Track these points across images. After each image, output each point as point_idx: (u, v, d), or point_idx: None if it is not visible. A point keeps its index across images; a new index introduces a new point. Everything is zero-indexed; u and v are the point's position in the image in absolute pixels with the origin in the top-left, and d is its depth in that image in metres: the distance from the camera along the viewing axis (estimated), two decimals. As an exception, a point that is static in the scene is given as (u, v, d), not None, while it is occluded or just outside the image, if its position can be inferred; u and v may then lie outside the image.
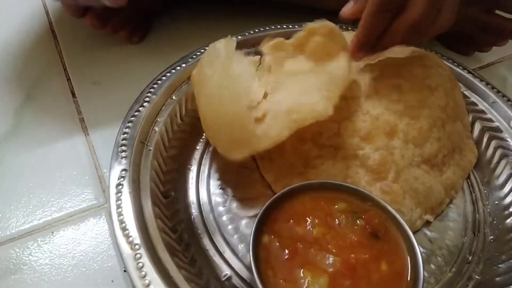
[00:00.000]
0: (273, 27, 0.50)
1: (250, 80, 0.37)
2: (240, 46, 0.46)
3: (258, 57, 0.41)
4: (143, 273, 0.29)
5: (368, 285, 0.30)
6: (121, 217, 0.32)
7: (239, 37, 0.48)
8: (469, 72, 0.48)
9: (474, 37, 0.54)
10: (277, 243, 0.32)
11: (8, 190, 0.39)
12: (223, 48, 0.37)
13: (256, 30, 0.50)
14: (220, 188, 0.39)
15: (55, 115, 0.46)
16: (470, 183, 0.42)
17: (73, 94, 0.48)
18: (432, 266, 0.36)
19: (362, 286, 0.30)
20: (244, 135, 0.34)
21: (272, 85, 0.38)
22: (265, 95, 0.37)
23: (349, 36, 0.46)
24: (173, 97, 0.42)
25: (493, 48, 0.55)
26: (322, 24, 0.38)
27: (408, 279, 0.31)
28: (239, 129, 0.34)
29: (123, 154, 0.36)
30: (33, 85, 0.49)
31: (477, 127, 0.45)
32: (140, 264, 0.30)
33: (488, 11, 0.52)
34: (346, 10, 0.39)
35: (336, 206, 0.34)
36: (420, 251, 0.31)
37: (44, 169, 0.41)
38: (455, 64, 0.49)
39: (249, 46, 0.48)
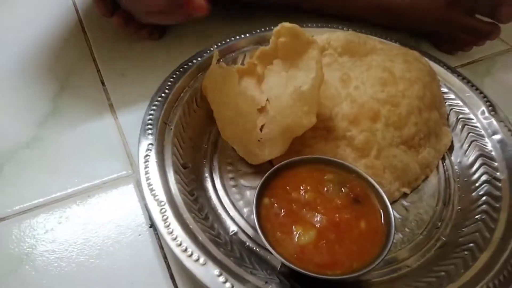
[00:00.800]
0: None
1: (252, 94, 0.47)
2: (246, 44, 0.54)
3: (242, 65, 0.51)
4: (168, 223, 0.36)
5: (349, 238, 0.37)
6: (149, 181, 0.39)
7: (246, 35, 0.55)
8: (448, 68, 0.55)
9: (456, 38, 0.61)
10: (276, 204, 0.39)
11: (50, 162, 0.47)
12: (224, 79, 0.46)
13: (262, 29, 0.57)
14: (230, 164, 0.46)
15: (87, 101, 0.53)
16: (444, 163, 0.48)
17: (103, 83, 0.55)
18: (407, 230, 0.43)
19: (344, 239, 0.37)
20: (254, 153, 0.45)
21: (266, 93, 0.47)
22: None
23: (345, 34, 0.54)
24: (190, 86, 0.49)
25: (474, 48, 0.62)
26: (283, 26, 0.45)
27: (382, 234, 0.38)
28: (250, 151, 0.45)
29: (149, 131, 0.43)
30: (66, 75, 0.56)
31: (453, 115, 0.51)
32: (165, 217, 0.37)
33: (468, 14, 0.59)
34: None
35: (326, 177, 0.41)
36: (393, 213, 0.38)
37: (79, 145, 0.48)
38: (437, 61, 0.56)
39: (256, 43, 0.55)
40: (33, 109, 0.52)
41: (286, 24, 0.45)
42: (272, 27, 0.46)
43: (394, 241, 0.37)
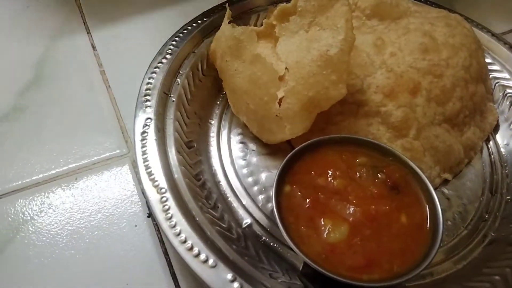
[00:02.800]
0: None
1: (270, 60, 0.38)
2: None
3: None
4: (169, 215, 0.30)
5: (388, 235, 0.31)
6: (147, 163, 0.33)
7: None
8: (493, 35, 0.47)
9: None
10: (299, 193, 0.32)
11: (32, 137, 0.40)
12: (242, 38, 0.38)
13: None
14: (241, 143, 0.40)
15: (75, 67, 0.46)
16: (489, 145, 0.41)
17: (93, 46, 0.47)
18: (449, 223, 0.36)
19: (382, 236, 0.31)
20: (272, 131, 0.38)
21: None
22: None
23: None
24: (195, 51, 0.42)
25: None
26: None
27: (427, 230, 0.31)
28: (266, 129, 0.38)
29: (147, 103, 0.36)
30: (52, 37, 0.48)
31: (499, 90, 0.44)
32: (166, 207, 0.30)
33: None
34: None
35: (357, 160, 0.34)
36: (439, 204, 0.31)
37: (66, 118, 0.42)
38: (479, 26, 0.48)
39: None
40: (12, 75, 0.45)
41: None
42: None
43: (443, 236, 0.30)
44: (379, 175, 0.33)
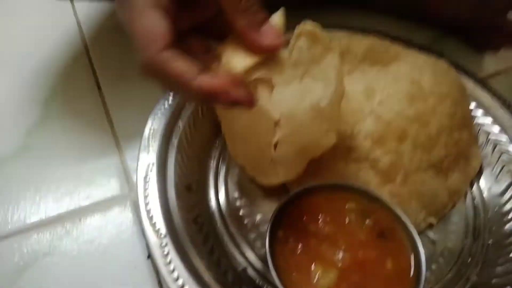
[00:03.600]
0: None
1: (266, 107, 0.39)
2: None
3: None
4: (168, 259, 0.32)
5: (375, 281, 0.33)
6: (148, 208, 0.34)
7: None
8: (476, 80, 0.49)
9: (487, 36, 0.56)
10: (291, 238, 0.34)
11: (37, 178, 0.42)
12: None
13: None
14: (238, 184, 0.42)
15: (81, 108, 0.48)
16: (472, 189, 0.44)
17: (99, 87, 0.50)
18: (434, 267, 0.38)
19: (369, 281, 0.32)
20: (267, 175, 0.40)
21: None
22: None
23: (367, 39, 0.48)
24: (195, 95, 0.44)
25: (507, 54, 0.57)
26: (305, 25, 0.38)
27: (411, 276, 0.33)
28: (262, 172, 0.40)
29: (150, 148, 0.38)
30: (59, 78, 0.51)
31: (482, 135, 0.46)
32: (166, 252, 0.32)
33: (501, 14, 0.54)
34: None
35: (347, 206, 0.36)
36: (423, 251, 0.33)
37: (71, 159, 0.43)
38: (464, 71, 0.50)
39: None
40: (20, 115, 0.47)
41: (309, 23, 0.39)
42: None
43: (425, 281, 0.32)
44: (367, 221, 0.35)
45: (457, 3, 0.55)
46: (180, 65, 0.28)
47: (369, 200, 0.37)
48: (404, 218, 0.35)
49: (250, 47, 0.31)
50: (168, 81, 0.29)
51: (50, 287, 0.35)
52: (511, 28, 0.54)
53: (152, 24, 0.28)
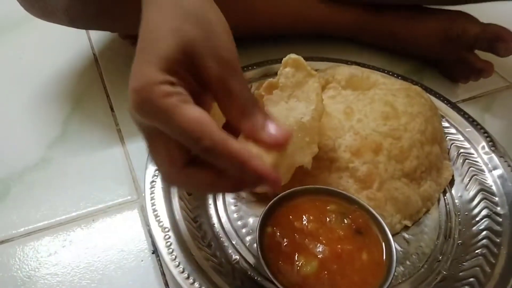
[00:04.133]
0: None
1: None
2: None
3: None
4: (171, 250, 0.37)
5: (351, 270, 0.37)
6: (154, 207, 0.40)
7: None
8: (449, 103, 0.56)
9: (456, 69, 0.63)
10: (278, 233, 0.39)
11: (57, 184, 0.47)
12: None
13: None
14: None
15: (96, 126, 0.54)
16: (445, 197, 0.48)
17: (112, 109, 0.56)
18: (408, 263, 0.42)
19: (346, 270, 0.37)
20: None
21: None
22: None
23: (349, 68, 0.55)
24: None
25: (475, 84, 0.63)
26: (290, 57, 0.45)
27: (384, 267, 0.38)
28: None
29: (156, 157, 0.44)
30: (77, 100, 0.57)
31: (454, 150, 0.52)
32: (169, 243, 0.37)
33: (467, 49, 0.60)
34: None
35: (328, 207, 0.41)
36: (394, 245, 0.38)
37: (86, 169, 0.49)
38: (438, 95, 0.57)
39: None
40: (43, 131, 0.53)
41: (293, 55, 0.46)
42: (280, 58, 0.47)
43: (395, 273, 0.37)
44: (345, 220, 0.40)
45: (426, 40, 0.62)
46: (236, 145, 0.28)
47: (348, 203, 0.42)
48: (379, 217, 0.40)
49: (262, 145, 0.31)
50: (229, 162, 0.28)
51: (68, 274, 0.40)
52: (477, 64, 0.60)
53: (196, 116, 0.27)
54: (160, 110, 0.27)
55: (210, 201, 0.45)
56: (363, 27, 0.65)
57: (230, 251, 0.41)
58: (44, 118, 0.55)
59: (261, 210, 0.41)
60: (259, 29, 0.62)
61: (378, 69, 0.60)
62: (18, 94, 0.58)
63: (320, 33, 0.67)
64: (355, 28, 0.66)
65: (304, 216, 0.40)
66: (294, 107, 0.45)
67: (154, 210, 0.39)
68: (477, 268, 0.40)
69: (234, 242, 0.42)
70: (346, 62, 0.60)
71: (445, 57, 0.63)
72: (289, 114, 0.45)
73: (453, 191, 0.49)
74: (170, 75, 0.28)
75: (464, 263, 0.42)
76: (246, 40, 0.63)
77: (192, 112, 0.27)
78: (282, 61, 0.47)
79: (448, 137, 0.53)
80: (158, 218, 0.39)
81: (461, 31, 0.59)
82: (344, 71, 0.56)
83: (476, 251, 0.42)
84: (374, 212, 0.40)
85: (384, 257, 0.38)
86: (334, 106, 0.50)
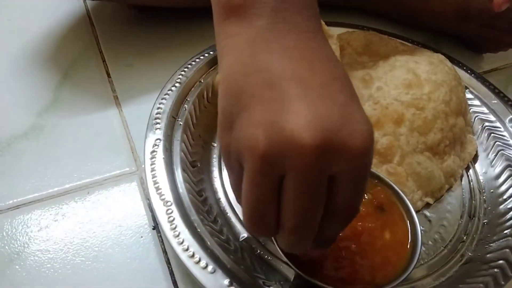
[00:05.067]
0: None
1: None
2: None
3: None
4: (174, 225, 0.33)
5: (372, 250, 0.34)
6: (155, 178, 0.36)
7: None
8: (472, 73, 0.51)
9: (479, 42, 0.58)
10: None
11: (48, 154, 0.44)
12: None
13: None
14: (240, 164, 0.43)
15: (91, 93, 0.50)
16: (468, 173, 0.45)
17: (108, 75, 0.52)
18: (430, 243, 0.39)
19: (367, 250, 0.34)
20: None
21: None
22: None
23: (365, 34, 0.51)
24: (201, 80, 0.46)
25: (501, 53, 0.59)
26: None
27: (408, 247, 0.34)
28: None
29: (157, 126, 0.40)
30: (71, 64, 0.53)
31: (478, 123, 0.48)
32: (171, 218, 0.33)
33: (486, 27, 0.56)
34: None
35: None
36: (418, 224, 0.35)
37: (81, 138, 0.45)
38: (461, 65, 0.52)
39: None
40: (33, 98, 0.49)
41: None
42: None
43: (420, 253, 0.33)
44: (366, 196, 0.37)
45: (443, 15, 0.57)
46: None
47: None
48: (401, 193, 0.37)
49: None
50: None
51: (61, 251, 0.36)
52: (504, 39, 0.56)
53: None
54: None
55: (216, 174, 0.42)
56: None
57: (237, 228, 0.37)
58: (35, 84, 0.50)
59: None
60: None
61: (396, 36, 0.55)
62: (7, 57, 0.53)
63: (328, 2, 0.61)
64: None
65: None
66: None
67: (155, 182, 0.36)
68: (507, 250, 0.37)
69: (242, 218, 0.38)
70: (362, 28, 0.55)
71: (465, 34, 0.59)
72: None
73: (477, 167, 0.46)
74: None
75: (491, 244, 0.39)
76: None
77: None
78: None
79: (472, 109, 0.49)
80: (159, 191, 0.35)
81: (480, 8, 0.54)
82: (360, 37, 0.52)
83: (505, 232, 0.39)
84: (396, 187, 0.37)
85: (409, 237, 0.35)
86: (352, 72, 0.46)
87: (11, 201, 0.40)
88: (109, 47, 0.55)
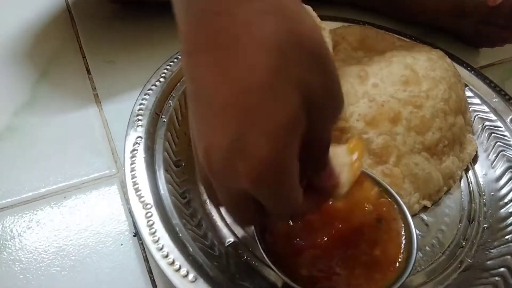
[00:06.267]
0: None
1: None
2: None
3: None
4: (153, 230, 0.32)
5: (366, 259, 0.33)
6: (135, 179, 0.35)
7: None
8: (472, 70, 0.51)
9: (474, 38, 0.58)
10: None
11: (23, 156, 0.43)
12: None
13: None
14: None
15: (70, 90, 0.49)
16: (468, 175, 0.44)
17: (88, 71, 0.51)
18: (427, 248, 0.39)
19: (360, 260, 0.33)
20: None
21: None
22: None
23: (361, 28, 0.50)
24: (187, 77, 0.45)
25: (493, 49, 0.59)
26: None
27: (399, 263, 0.33)
28: None
29: (139, 123, 0.39)
30: (49, 61, 0.52)
31: (478, 122, 0.48)
32: (151, 222, 0.33)
33: (482, 23, 0.56)
34: None
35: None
36: (415, 232, 0.34)
37: (58, 138, 0.44)
38: (460, 61, 0.52)
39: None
40: (9, 96, 0.48)
41: None
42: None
43: (414, 264, 0.33)
44: (367, 207, 0.36)
45: (436, 13, 0.58)
46: None
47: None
48: (397, 197, 0.36)
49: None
50: None
51: (35, 260, 0.35)
52: (501, 34, 0.56)
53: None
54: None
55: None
56: None
57: (223, 232, 0.37)
58: (10, 82, 0.49)
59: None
60: None
61: (392, 31, 0.55)
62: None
63: None
64: None
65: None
66: None
67: (135, 183, 0.35)
68: (508, 257, 0.37)
69: (228, 222, 0.37)
70: (359, 22, 0.55)
71: (461, 30, 0.58)
72: None
73: (477, 169, 0.45)
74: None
75: (491, 250, 0.38)
76: None
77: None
78: None
79: (471, 108, 0.49)
80: (139, 193, 0.34)
81: (476, 4, 0.55)
82: (355, 31, 0.52)
83: (506, 237, 0.38)
84: (392, 190, 0.36)
85: (405, 244, 0.34)
86: (346, 67, 0.46)
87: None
88: (89, 42, 0.54)
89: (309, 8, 0.41)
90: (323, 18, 0.52)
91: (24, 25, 0.56)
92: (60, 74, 0.50)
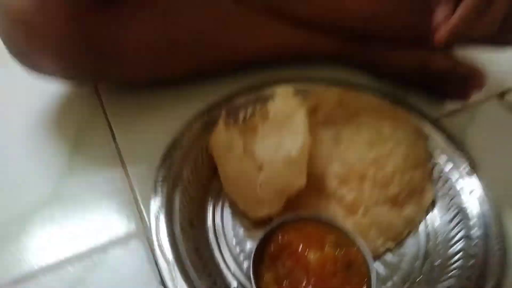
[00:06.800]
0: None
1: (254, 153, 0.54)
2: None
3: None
4: (176, 282, 0.44)
5: None
6: (159, 241, 0.47)
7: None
8: (432, 123, 0.62)
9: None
10: (271, 260, 0.46)
11: (60, 215, 0.54)
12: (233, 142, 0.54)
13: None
14: (231, 217, 0.54)
15: (99, 159, 0.60)
16: (426, 218, 0.55)
17: (114, 139, 0.63)
18: (389, 284, 0.49)
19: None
20: (254, 209, 0.52)
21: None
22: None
23: (338, 92, 0.62)
24: (197, 144, 0.57)
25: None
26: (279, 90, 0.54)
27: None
28: (250, 207, 0.52)
29: (159, 190, 0.51)
30: (76, 132, 0.64)
31: (437, 170, 0.58)
32: (174, 275, 0.44)
33: (442, 83, 0.65)
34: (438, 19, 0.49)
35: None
36: (375, 276, 0.44)
37: (90, 203, 0.56)
38: (422, 115, 0.63)
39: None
40: (47, 166, 0.59)
41: (282, 88, 0.54)
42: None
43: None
44: (338, 252, 0.46)
45: (401, 71, 0.67)
46: None
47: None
48: (362, 246, 0.47)
49: None
50: None
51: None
52: (456, 95, 0.66)
53: None
54: None
55: (210, 227, 0.52)
56: (345, 55, 0.70)
57: (228, 278, 0.48)
58: (46, 151, 0.61)
59: (257, 235, 0.48)
60: (243, 63, 0.67)
61: (367, 88, 0.66)
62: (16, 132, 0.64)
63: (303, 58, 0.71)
64: (337, 55, 0.70)
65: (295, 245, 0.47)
66: (284, 139, 0.52)
67: (160, 245, 0.46)
68: (450, 288, 0.48)
69: (231, 268, 0.49)
70: (337, 83, 0.66)
71: (426, 85, 0.68)
72: (278, 148, 0.52)
73: (435, 212, 0.56)
74: None
75: (439, 284, 0.49)
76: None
77: None
78: (273, 93, 0.54)
79: (432, 159, 0.59)
80: (163, 252, 0.46)
81: (433, 66, 0.64)
82: (333, 96, 0.62)
83: (451, 273, 0.49)
84: (358, 240, 0.47)
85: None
86: (323, 132, 0.57)
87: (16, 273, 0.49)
88: (113, 111, 0.66)
89: (288, 89, 0.53)
90: (303, 80, 0.64)
91: (52, 98, 0.67)
92: (89, 145, 0.62)
